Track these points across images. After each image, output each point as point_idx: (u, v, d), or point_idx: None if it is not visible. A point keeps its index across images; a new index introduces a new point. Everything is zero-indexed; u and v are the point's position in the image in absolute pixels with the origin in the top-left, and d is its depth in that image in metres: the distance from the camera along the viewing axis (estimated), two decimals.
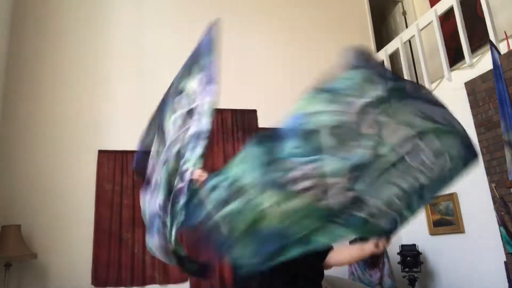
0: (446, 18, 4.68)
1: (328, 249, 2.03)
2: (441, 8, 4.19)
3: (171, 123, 2.01)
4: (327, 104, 1.52)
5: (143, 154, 2.29)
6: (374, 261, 3.91)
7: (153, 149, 2.14)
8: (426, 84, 4.30)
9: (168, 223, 1.70)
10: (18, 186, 3.58)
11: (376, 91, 1.51)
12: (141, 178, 2.12)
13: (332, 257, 2.00)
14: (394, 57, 5.09)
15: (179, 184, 1.79)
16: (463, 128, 1.65)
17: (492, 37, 3.58)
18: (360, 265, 3.91)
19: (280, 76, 4.73)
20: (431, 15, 4.25)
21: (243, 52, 4.68)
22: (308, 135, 1.42)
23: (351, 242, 2.74)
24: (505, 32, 3.56)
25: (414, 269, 3.93)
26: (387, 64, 4.91)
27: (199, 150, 1.81)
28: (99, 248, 3.58)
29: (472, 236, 3.72)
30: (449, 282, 3.95)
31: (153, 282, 3.66)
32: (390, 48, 4.92)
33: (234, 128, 4.33)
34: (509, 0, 4.10)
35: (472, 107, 3.64)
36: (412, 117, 1.55)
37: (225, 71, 4.96)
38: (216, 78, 1.84)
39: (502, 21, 3.91)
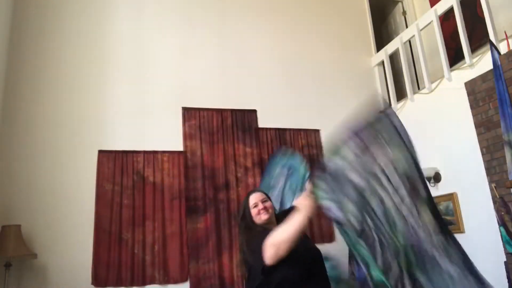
0: (446, 18, 4.68)
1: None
2: (441, 8, 4.19)
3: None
4: None
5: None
6: None
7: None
8: (426, 84, 4.30)
9: None
10: (18, 186, 3.57)
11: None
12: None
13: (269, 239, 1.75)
14: (394, 57, 5.09)
15: None
16: None
17: (492, 37, 3.58)
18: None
19: (280, 76, 4.73)
20: (431, 15, 4.26)
21: (243, 52, 4.68)
22: None
23: None
24: (505, 32, 3.57)
25: None
26: (387, 64, 4.91)
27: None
28: (99, 248, 3.58)
29: (472, 236, 3.72)
30: None
31: (153, 282, 3.66)
32: (390, 48, 4.92)
33: (234, 128, 4.33)
34: (509, 0, 4.10)
35: (472, 107, 3.64)
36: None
37: (225, 71, 5.00)
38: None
39: (502, 21, 3.91)
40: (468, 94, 3.68)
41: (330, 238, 4.18)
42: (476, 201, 3.66)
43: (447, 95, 4.05)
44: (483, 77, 3.55)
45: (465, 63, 3.89)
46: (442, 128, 4.09)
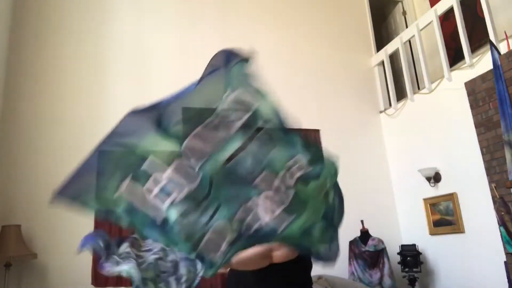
0: (446, 18, 4.68)
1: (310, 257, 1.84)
2: (441, 8, 4.19)
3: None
4: None
5: None
6: (374, 261, 3.92)
7: None
8: (426, 84, 4.30)
9: None
10: (18, 186, 3.57)
11: None
12: None
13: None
14: (394, 57, 5.09)
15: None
16: None
17: (492, 37, 3.58)
18: (360, 265, 3.91)
19: (280, 76, 4.72)
20: (431, 15, 4.26)
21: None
22: None
23: None
24: (505, 32, 3.57)
25: (414, 269, 3.93)
26: (387, 64, 4.91)
27: None
28: None
29: (472, 236, 3.72)
30: (449, 282, 3.95)
31: None
32: (390, 48, 4.92)
33: None
34: (509, 0, 4.10)
35: (472, 107, 3.64)
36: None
37: None
38: None
39: (502, 21, 3.92)
40: (468, 94, 3.68)
41: None
42: (476, 201, 3.66)
43: (447, 95, 4.06)
44: (483, 77, 3.55)
45: (465, 63, 3.89)
46: (442, 128, 4.09)
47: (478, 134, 3.56)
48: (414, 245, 4.05)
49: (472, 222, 3.73)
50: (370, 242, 3.98)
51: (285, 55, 4.83)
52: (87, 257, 3.54)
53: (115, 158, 1.44)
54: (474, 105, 3.63)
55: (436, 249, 4.13)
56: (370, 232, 4.08)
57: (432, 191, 4.15)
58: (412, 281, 3.89)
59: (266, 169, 1.41)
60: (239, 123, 1.46)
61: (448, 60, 4.08)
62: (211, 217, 1.30)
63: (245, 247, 1.40)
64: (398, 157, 4.75)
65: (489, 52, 3.42)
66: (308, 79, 4.86)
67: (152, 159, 1.39)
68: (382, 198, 4.67)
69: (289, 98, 4.63)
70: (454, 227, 3.90)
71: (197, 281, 1.70)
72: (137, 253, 1.73)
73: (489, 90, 3.46)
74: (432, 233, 4.17)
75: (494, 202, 3.31)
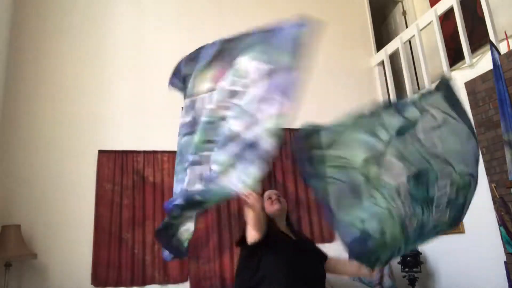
0: (446, 18, 4.68)
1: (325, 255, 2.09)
2: (441, 8, 4.19)
3: (204, 87, 1.87)
4: None
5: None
6: None
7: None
8: (426, 84, 4.30)
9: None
10: (18, 186, 3.58)
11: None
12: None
13: (332, 265, 2.05)
14: (394, 57, 5.08)
15: (191, 183, 1.74)
16: None
17: (492, 37, 3.57)
18: None
19: None
20: (431, 15, 4.25)
21: None
22: None
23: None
24: (505, 32, 3.56)
25: (414, 269, 3.93)
26: (387, 64, 4.91)
27: (255, 171, 1.49)
28: (99, 248, 3.58)
29: (472, 236, 3.72)
30: (449, 282, 3.95)
31: (153, 282, 3.66)
32: (390, 48, 4.92)
33: None
34: (509, 0, 4.09)
35: (472, 107, 3.64)
36: None
37: None
38: (293, 97, 1.63)
39: (502, 21, 3.91)
40: (468, 94, 3.68)
41: (330, 238, 4.18)
42: (476, 201, 3.64)
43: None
44: (483, 77, 3.55)
45: (465, 63, 3.89)
46: None
47: (478, 134, 3.56)
48: None
49: (472, 222, 3.71)
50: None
51: None
52: (87, 257, 3.54)
53: None
54: (474, 105, 3.62)
55: (436, 249, 4.12)
56: None
57: None
58: (412, 281, 3.89)
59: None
60: None
61: (448, 60, 4.08)
62: None
63: None
64: None
65: (489, 52, 3.42)
66: (308, 79, 4.84)
67: None
68: None
69: None
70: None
71: None
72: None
73: (489, 90, 3.46)
74: None
75: (494, 202, 3.31)
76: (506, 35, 3.53)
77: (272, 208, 2.09)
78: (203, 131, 1.71)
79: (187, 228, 1.88)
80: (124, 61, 4.23)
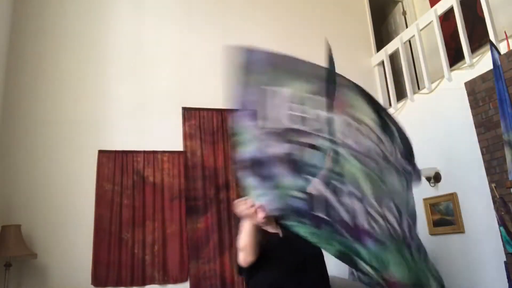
0: (446, 18, 4.68)
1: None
2: (441, 8, 4.19)
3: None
4: None
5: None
6: None
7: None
8: (426, 84, 4.30)
9: None
10: (18, 186, 3.57)
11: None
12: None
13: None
14: (394, 57, 5.09)
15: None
16: None
17: (492, 37, 3.57)
18: None
19: None
20: (431, 15, 4.25)
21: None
22: None
23: None
24: (505, 32, 3.56)
25: None
26: (387, 64, 4.91)
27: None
28: (99, 248, 3.58)
29: (472, 236, 3.72)
30: (449, 282, 3.95)
31: (153, 282, 3.66)
32: (390, 48, 4.92)
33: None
34: (509, 0, 4.10)
35: (472, 107, 3.64)
36: None
37: (225, 71, 4.95)
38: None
39: (502, 21, 3.91)
40: (468, 94, 3.68)
41: None
42: (476, 201, 3.66)
43: (447, 95, 4.05)
44: (483, 77, 3.55)
45: (465, 63, 3.89)
46: (442, 128, 4.09)
47: (478, 134, 3.56)
48: None
49: (472, 222, 3.73)
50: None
51: None
52: (87, 257, 3.54)
53: None
54: (474, 105, 3.62)
55: (436, 249, 4.12)
56: None
57: (432, 191, 4.14)
58: None
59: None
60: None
61: (448, 60, 4.08)
62: None
63: None
64: None
65: (489, 52, 3.42)
66: None
67: None
68: None
69: None
70: (454, 227, 3.90)
71: None
72: None
73: (489, 90, 3.45)
74: (432, 233, 4.17)
75: (494, 202, 3.31)
76: (506, 35, 3.52)
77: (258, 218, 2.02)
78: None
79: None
80: (124, 61, 4.23)
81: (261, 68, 1.61)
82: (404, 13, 5.78)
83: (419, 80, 5.10)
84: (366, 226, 1.48)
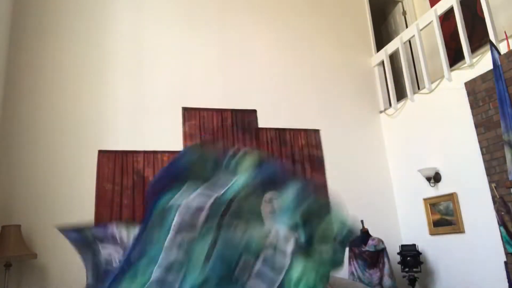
0: (446, 18, 4.68)
1: None
2: (441, 8, 4.19)
3: None
4: None
5: None
6: (374, 261, 3.91)
7: None
8: (426, 84, 4.30)
9: None
10: (18, 186, 3.57)
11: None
12: None
13: None
14: (394, 57, 5.09)
15: None
16: None
17: (492, 37, 3.57)
18: (360, 265, 3.91)
19: (280, 76, 4.73)
20: (431, 15, 4.25)
21: (243, 52, 4.68)
22: None
23: None
24: (505, 32, 3.56)
25: (414, 269, 3.93)
26: (387, 64, 4.91)
27: None
28: None
29: (472, 236, 3.72)
30: (449, 282, 3.95)
31: None
32: (390, 48, 4.92)
33: (234, 128, 4.33)
34: (509, 0, 4.10)
35: (472, 107, 3.64)
36: None
37: (225, 71, 4.98)
38: None
39: (502, 21, 3.92)
40: (468, 94, 3.68)
41: None
42: (476, 201, 3.66)
43: (447, 95, 4.06)
44: (483, 77, 3.55)
45: (465, 63, 3.89)
46: (442, 128, 4.09)
47: (478, 134, 3.56)
48: (414, 245, 4.05)
49: (472, 222, 3.73)
50: (370, 242, 3.98)
51: (284, 55, 4.83)
52: None
53: None
54: (474, 105, 3.63)
55: (436, 249, 4.12)
56: (370, 232, 4.08)
57: (432, 191, 4.15)
58: (412, 281, 3.89)
59: (243, 256, 1.27)
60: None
61: (448, 60, 4.08)
62: None
63: None
64: (398, 157, 4.75)
65: (489, 52, 3.42)
66: (308, 79, 4.85)
67: None
68: (382, 198, 4.67)
69: (289, 98, 4.67)
70: (454, 227, 3.90)
71: None
72: None
73: (489, 90, 3.46)
74: (432, 233, 4.17)
75: (494, 202, 3.31)
76: (506, 35, 3.53)
77: None
78: None
79: None
80: (125, 61, 4.23)
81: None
82: (404, 13, 5.78)
83: (419, 80, 5.10)
84: None
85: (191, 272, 1.23)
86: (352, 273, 3.94)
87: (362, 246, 3.96)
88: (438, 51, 4.16)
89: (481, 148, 3.52)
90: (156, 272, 1.23)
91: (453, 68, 4.08)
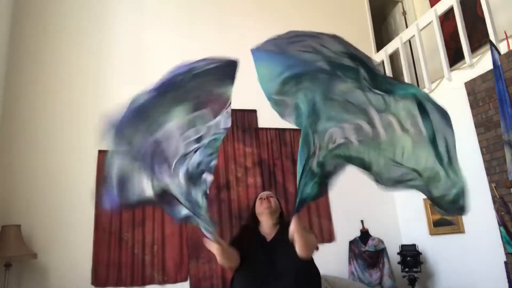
0: (446, 18, 4.68)
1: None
2: (441, 8, 4.19)
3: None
4: None
5: None
6: (374, 261, 3.92)
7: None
8: (426, 84, 4.30)
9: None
10: (18, 186, 3.57)
11: None
12: None
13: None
14: (394, 57, 5.09)
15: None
16: None
17: (492, 37, 3.58)
18: (360, 265, 3.91)
19: None
20: (431, 15, 4.26)
21: (242, 52, 4.67)
22: None
23: None
24: (505, 32, 3.56)
25: (414, 269, 3.93)
26: (387, 64, 4.91)
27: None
28: (99, 248, 3.58)
29: (472, 236, 3.72)
30: (449, 282, 3.95)
31: (152, 282, 3.66)
32: (390, 48, 4.92)
33: (234, 128, 4.33)
34: (509, 0, 4.10)
35: (472, 107, 3.64)
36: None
37: None
38: None
39: (502, 21, 3.91)
40: (468, 94, 3.68)
41: (330, 238, 4.18)
42: (476, 201, 3.65)
43: (447, 95, 4.05)
44: (483, 77, 3.55)
45: (465, 63, 3.89)
46: None
47: (478, 134, 3.56)
48: (414, 245, 4.05)
49: (472, 222, 3.73)
50: (370, 242, 3.98)
51: None
52: (87, 257, 3.54)
53: None
54: (474, 105, 3.63)
55: (436, 249, 4.12)
56: (370, 232, 4.08)
57: None
58: (412, 281, 3.89)
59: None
60: None
61: (448, 60, 4.08)
62: None
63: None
64: None
65: (489, 52, 3.42)
66: None
67: None
68: (382, 198, 4.67)
69: None
70: (454, 227, 3.91)
71: None
72: None
73: (489, 90, 3.46)
74: (432, 233, 4.17)
75: (494, 202, 3.31)
76: (506, 35, 3.53)
77: (261, 207, 2.13)
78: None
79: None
80: (124, 61, 4.23)
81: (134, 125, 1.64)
82: (404, 13, 5.78)
83: (419, 80, 5.10)
84: None
85: None
86: (352, 273, 3.94)
87: (362, 246, 3.97)
88: (438, 51, 4.16)
89: (481, 148, 3.52)
90: None
91: (453, 68, 4.08)
